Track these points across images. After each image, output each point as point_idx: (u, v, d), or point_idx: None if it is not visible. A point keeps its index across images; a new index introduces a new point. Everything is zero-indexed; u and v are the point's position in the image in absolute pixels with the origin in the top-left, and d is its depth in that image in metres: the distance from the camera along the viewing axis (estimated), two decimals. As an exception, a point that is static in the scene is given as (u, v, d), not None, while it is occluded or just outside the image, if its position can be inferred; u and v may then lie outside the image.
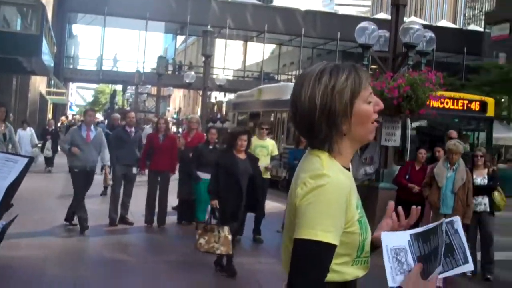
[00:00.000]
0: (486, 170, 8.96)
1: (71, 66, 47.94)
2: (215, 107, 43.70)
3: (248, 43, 54.79)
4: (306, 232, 1.93)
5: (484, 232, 8.91)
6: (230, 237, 7.50)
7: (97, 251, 9.18)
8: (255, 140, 10.50)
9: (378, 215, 10.09)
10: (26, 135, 18.35)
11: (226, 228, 7.52)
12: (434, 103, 13.37)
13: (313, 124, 2.05)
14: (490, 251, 8.88)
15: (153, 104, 36.32)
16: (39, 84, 30.35)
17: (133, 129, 11.46)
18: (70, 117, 38.89)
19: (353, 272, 2.08)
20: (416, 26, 10.54)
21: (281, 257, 2.15)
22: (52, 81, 35.66)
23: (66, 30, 45.59)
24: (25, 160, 3.52)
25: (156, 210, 11.32)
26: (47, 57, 20.48)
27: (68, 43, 48.62)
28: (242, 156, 8.11)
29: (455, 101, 14.32)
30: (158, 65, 28.98)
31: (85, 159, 10.22)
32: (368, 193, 10.55)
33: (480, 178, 8.82)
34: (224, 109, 48.14)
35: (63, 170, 18.73)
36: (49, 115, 36.67)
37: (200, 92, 22.46)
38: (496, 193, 8.95)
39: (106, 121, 48.31)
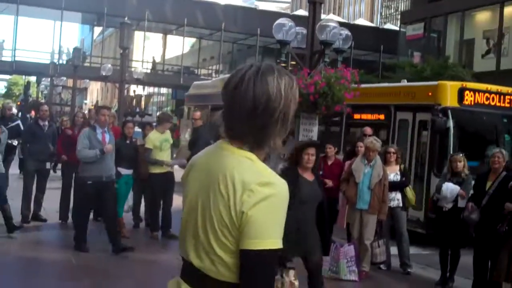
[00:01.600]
0: (398, 167, 9.21)
1: (-18, 56, 46.16)
2: (134, 100, 43.05)
3: (168, 36, 54.28)
4: (265, 242, 2.00)
5: (397, 227, 9.15)
6: (296, 283, 5.87)
7: (9, 250, 8.87)
8: (157, 134, 10.42)
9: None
10: None
11: (292, 272, 5.87)
12: (479, 99, 12.13)
13: (272, 121, 2.08)
14: (405, 245, 9.14)
15: (69, 96, 35.40)
16: None
17: (46, 123, 11.13)
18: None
19: None
20: (333, 24, 10.65)
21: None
22: (-39, 72, 34.23)
23: (-23, 19, 43.82)
24: None
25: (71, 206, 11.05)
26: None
27: (-21, 32, 46.72)
28: (309, 176, 6.45)
29: (502, 97, 12.53)
30: (74, 56, 28.24)
31: (101, 168, 8.94)
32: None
33: (393, 174, 9.06)
34: (143, 102, 47.53)
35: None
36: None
37: (118, 85, 22.04)
38: (408, 189, 9.23)
39: (19, 114, 46.66)
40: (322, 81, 10.04)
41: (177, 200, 10.72)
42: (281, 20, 10.68)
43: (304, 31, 11.14)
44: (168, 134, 10.57)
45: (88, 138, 8.87)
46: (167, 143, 10.35)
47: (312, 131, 10.66)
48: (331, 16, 48.47)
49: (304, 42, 11.08)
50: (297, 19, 11.91)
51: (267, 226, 2.00)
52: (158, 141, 10.21)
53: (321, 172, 9.78)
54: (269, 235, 2.00)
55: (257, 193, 2.00)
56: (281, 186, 2.05)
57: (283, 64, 13.96)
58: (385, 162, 9.11)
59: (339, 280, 8.08)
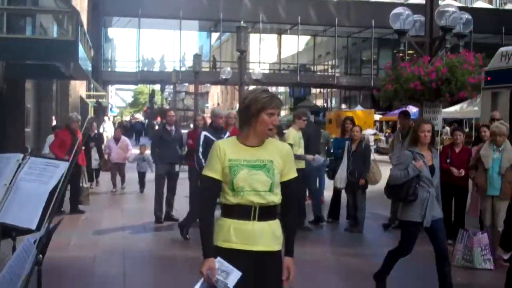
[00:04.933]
0: None
1: (109, 69, 48.58)
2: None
3: (282, 36, 54.70)
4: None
5: None
6: None
7: (145, 248, 9.32)
8: (294, 130, 10.45)
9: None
10: None
11: None
12: None
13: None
14: None
15: (191, 102, 36.49)
16: (79, 88, 30.76)
17: (173, 128, 11.55)
18: (111, 119, 39.06)
19: None
20: (452, 9, 10.36)
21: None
22: (92, 85, 36.16)
23: (102, 34, 46.13)
24: (66, 164, 3.58)
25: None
26: (84, 62, 20.74)
27: (105, 46, 49.23)
28: None
29: None
30: (194, 63, 29.08)
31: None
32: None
33: None
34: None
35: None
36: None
37: (237, 88, 22.50)
38: None
39: (146, 121, 48.37)
40: (443, 67, 9.79)
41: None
42: (398, 10, 10.54)
43: (422, 19, 10.92)
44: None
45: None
46: (301, 140, 10.47)
47: (436, 119, 10.42)
48: (448, 1, 47.02)
49: (422, 30, 10.86)
50: (413, 7, 11.65)
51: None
52: (297, 137, 10.38)
53: (448, 160, 9.51)
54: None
55: None
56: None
57: (401, 54, 13.77)
58: None
59: (473, 269, 7.84)
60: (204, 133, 9.71)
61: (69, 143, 11.78)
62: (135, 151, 16.96)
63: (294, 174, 3.76)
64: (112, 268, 7.89)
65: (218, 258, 3.56)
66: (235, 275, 3.49)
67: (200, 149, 9.49)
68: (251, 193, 3.54)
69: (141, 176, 15.88)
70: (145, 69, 46.78)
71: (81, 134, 11.83)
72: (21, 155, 3.51)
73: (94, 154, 16.31)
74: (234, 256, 3.55)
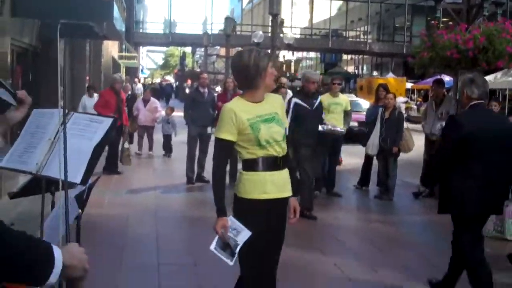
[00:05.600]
0: None
1: (141, 31, 48.61)
2: (284, 66, 43.50)
3: (315, 0, 54.06)
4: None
5: None
6: None
7: (176, 209, 9.47)
8: (327, 97, 10.44)
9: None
10: (93, 104, 13.70)
11: None
12: None
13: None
14: None
15: (222, 65, 36.47)
16: (111, 49, 30.91)
17: (206, 90, 11.59)
18: (142, 80, 39.22)
19: None
20: (491, -25, 10.16)
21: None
22: (124, 46, 36.27)
23: (135, -5, 46.06)
24: (110, 120, 3.63)
25: (227, 167, 11.44)
26: (118, 22, 20.76)
27: (136, 7, 49.17)
28: None
29: None
30: (226, 26, 28.97)
31: None
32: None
33: None
34: (293, 68, 47.84)
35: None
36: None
37: (269, 52, 22.38)
38: None
39: (176, 83, 48.27)
40: (481, 36, 9.63)
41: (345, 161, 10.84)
42: (435, -25, 10.35)
43: (460, -15, 10.72)
44: (341, 98, 10.63)
45: None
46: (337, 106, 10.45)
47: (471, 87, 10.28)
48: (486, -32, 45.92)
49: (460, -4, 10.66)
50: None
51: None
52: (327, 103, 10.35)
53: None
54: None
55: None
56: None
57: (435, 21, 13.53)
58: None
59: (504, 239, 7.81)
60: (294, 100, 8.82)
61: (114, 103, 11.94)
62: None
63: (287, 121, 4.22)
64: (145, 227, 8.04)
65: (230, 217, 3.80)
66: (245, 234, 3.72)
67: (289, 118, 7.98)
68: (274, 144, 3.85)
69: (167, 138, 15.63)
70: (170, 31, 46.52)
71: (124, 94, 11.89)
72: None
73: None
74: (270, 205, 3.87)
